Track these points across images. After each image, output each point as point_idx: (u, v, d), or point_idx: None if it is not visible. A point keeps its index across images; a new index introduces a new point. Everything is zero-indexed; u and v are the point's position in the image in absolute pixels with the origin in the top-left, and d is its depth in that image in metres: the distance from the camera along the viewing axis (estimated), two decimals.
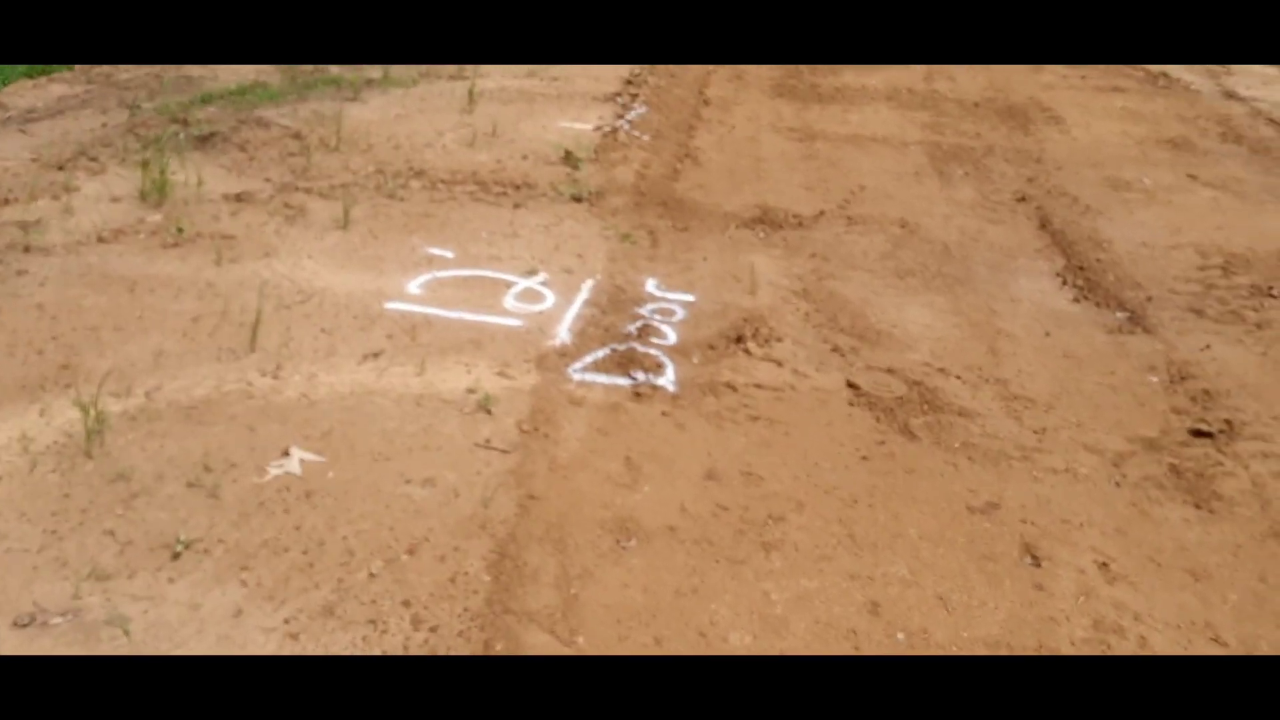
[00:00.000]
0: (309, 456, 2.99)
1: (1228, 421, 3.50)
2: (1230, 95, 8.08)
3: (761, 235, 4.92)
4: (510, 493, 2.89)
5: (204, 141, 5.65)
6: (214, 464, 2.95)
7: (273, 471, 2.92)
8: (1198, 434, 3.43)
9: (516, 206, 4.98)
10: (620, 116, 6.41)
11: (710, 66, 7.92)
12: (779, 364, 3.71)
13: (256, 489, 2.86)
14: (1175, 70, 8.85)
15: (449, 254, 4.39)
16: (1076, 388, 3.70)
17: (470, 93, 6.47)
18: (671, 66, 7.74)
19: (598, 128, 6.17)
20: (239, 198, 4.89)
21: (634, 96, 6.87)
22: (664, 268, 4.46)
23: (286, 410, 3.21)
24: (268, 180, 5.16)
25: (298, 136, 5.72)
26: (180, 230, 4.41)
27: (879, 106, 7.26)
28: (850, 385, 3.60)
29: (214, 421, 3.15)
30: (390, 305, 3.91)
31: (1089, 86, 8.07)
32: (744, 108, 7.05)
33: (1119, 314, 4.30)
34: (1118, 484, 3.17)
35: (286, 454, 3.00)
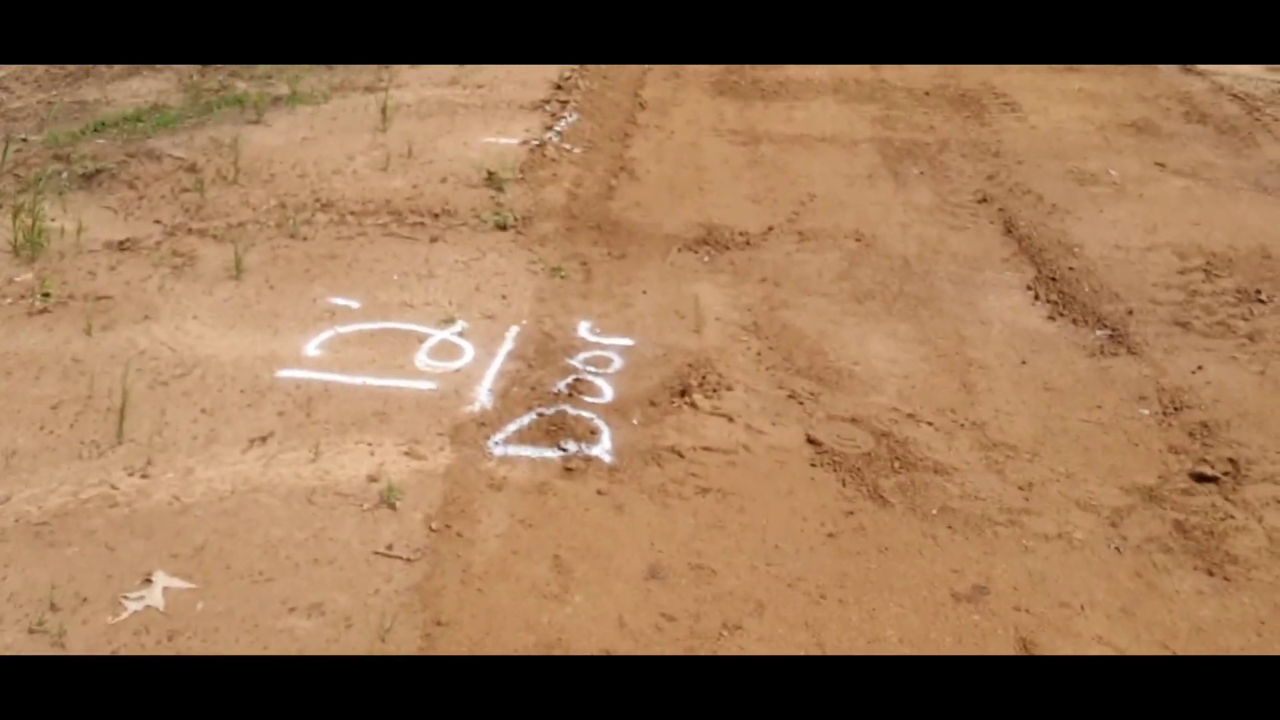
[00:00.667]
0: (175, 584, 2.52)
1: (1232, 461, 3.13)
2: (1189, 70, 7.75)
3: (706, 259, 4.48)
4: (414, 617, 2.43)
5: (89, 180, 5.10)
6: (62, 600, 2.47)
7: (130, 607, 2.44)
8: (1200, 478, 3.05)
9: (433, 240, 4.50)
10: (549, 127, 5.94)
11: (645, 65, 7.45)
12: (730, 419, 3.28)
13: (109, 632, 2.38)
14: None
15: (354, 304, 3.91)
16: (1061, 428, 3.30)
17: (384, 109, 5.95)
18: (605, 67, 7.26)
19: (525, 141, 5.69)
20: (123, 246, 4.37)
21: (564, 103, 6.39)
22: (599, 306, 4.01)
23: (154, 521, 2.73)
24: (157, 222, 4.64)
25: (193, 169, 5.19)
26: (47, 295, 3.88)
27: (825, 100, 6.84)
28: (811, 441, 3.18)
29: (67, 541, 2.66)
30: (284, 373, 3.42)
31: (1043, 68, 7.70)
32: (683, 109, 6.59)
33: (1099, 332, 3.91)
34: (1118, 549, 2.78)
35: (149, 581, 2.52)
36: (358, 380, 3.41)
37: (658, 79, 7.20)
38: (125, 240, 4.42)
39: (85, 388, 3.29)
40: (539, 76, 6.93)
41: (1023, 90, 7.08)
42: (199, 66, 7.37)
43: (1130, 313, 4.05)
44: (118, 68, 7.50)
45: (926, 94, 7.05)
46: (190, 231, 4.53)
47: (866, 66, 7.62)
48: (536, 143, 5.66)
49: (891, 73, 7.45)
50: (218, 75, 7.11)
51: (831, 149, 5.91)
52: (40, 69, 7.52)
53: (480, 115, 6.17)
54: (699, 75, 7.31)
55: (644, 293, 4.15)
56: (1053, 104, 6.79)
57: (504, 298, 4.02)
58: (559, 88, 6.71)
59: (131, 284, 4.01)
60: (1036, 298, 4.19)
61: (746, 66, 7.52)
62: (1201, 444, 3.23)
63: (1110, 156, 5.80)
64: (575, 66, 7.16)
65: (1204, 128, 6.34)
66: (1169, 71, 7.70)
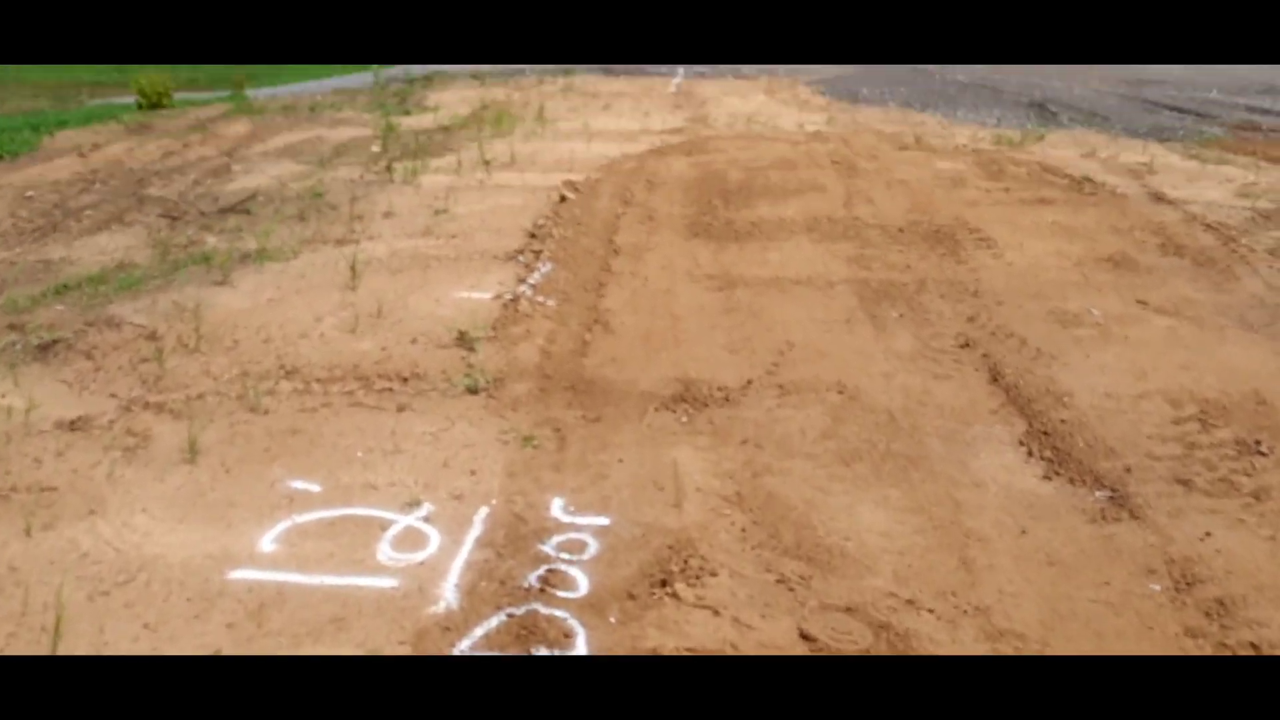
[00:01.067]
0: None
1: (1254, 645, 2.92)
2: (1159, 198, 7.82)
3: (684, 419, 4.32)
4: None
5: (45, 350, 4.94)
6: None
7: None
8: None
9: (401, 409, 4.33)
10: (523, 280, 5.84)
11: (619, 209, 7.45)
12: (715, 611, 3.06)
13: None
14: (1099, 173, 8.63)
15: (315, 487, 3.70)
16: (1070, 609, 3.10)
17: (354, 265, 5.86)
18: (578, 212, 7.26)
19: (498, 295, 5.59)
20: (74, 425, 4.17)
21: (537, 253, 6.32)
22: (573, 479, 3.82)
23: None
24: (113, 396, 4.46)
25: (153, 337, 5.04)
26: None
27: (799, 240, 6.81)
28: (804, 637, 2.96)
29: None
30: (236, 574, 3.19)
31: (1013, 200, 7.76)
32: (657, 253, 6.54)
33: (1098, 493, 3.74)
34: None
35: None
36: (315, 580, 3.17)
37: (632, 222, 7.19)
38: (77, 419, 4.23)
39: (19, 603, 3.04)
40: (514, 224, 6.90)
41: (996, 224, 7.10)
42: (169, 220, 7.31)
43: (1129, 470, 3.89)
44: (86, 221, 7.44)
45: (900, 230, 7.05)
46: (147, 406, 4.34)
47: (839, 203, 7.65)
48: (510, 297, 5.56)
49: (864, 209, 7.48)
50: (187, 230, 7.04)
51: (808, 292, 5.83)
52: (7, 223, 7.45)
53: (453, 268, 6.09)
54: (673, 218, 7.31)
55: (620, 461, 3.97)
56: (1027, 238, 6.78)
57: (473, 473, 3.83)
58: (533, 236, 6.67)
59: (79, 472, 3.80)
60: (1030, 454, 4.03)
61: (720, 208, 7.54)
62: (1220, 625, 3.02)
63: (1090, 294, 5.74)
64: (549, 213, 7.15)
65: (1181, 260, 6.32)
66: (1139, 199, 7.77)
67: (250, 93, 14.62)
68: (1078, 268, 6.21)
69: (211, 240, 6.74)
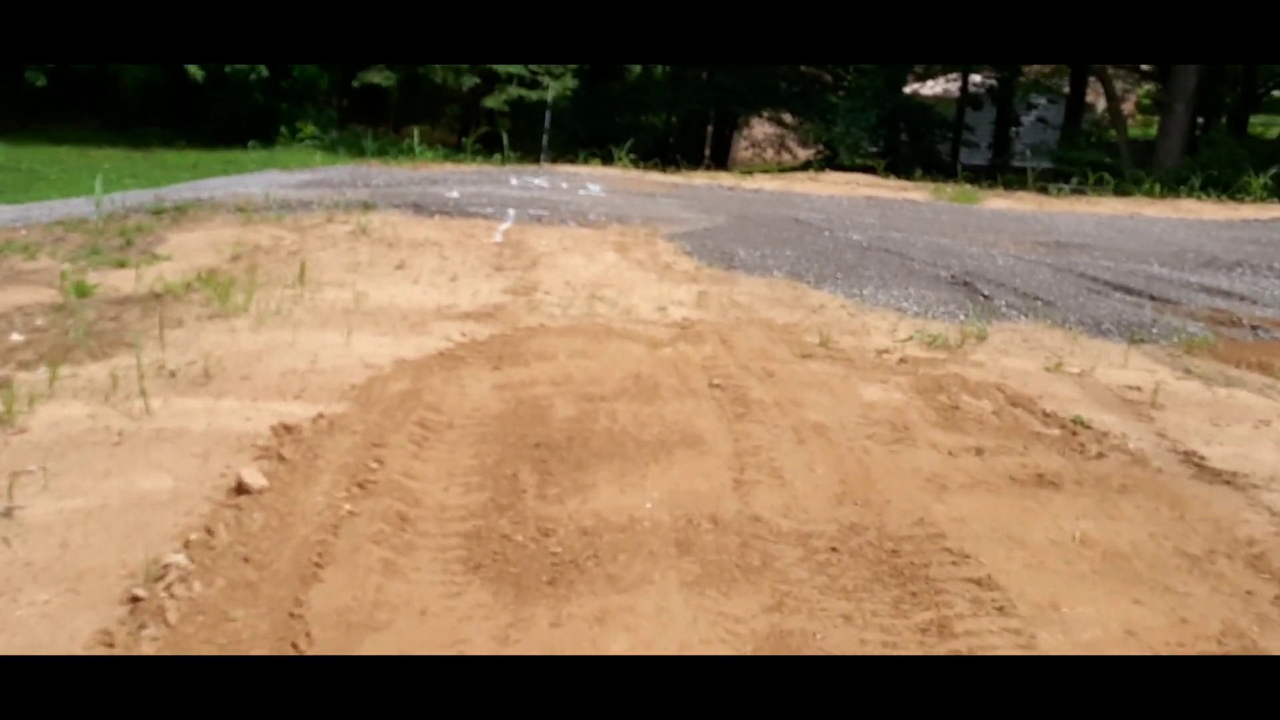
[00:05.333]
0: None
1: None
2: (1199, 466, 5.15)
3: None
4: None
5: None
6: None
7: None
8: None
9: None
10: None
11: (347, 499, 4.21)
12: None
13: None
14: (1088, 407, 5.95)
15: None
16: None
17: None
18: (263, 518, 3.99)
19: None
20: None
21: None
22: None
23: None
24: None
25: None
26: None
27: (665, 587, 3.73)
28: None
29: None
30: None
31: (997, 476, 4.92)
32: (396, 635, 3.33)
33: None
34: None
35: None
36: None
37: (364, 539, 3.93)
38: None
39: None
40: (117, 563, 3.59)
41: (990, 543, 4.20)
42: None
43: None
44: None
45: (833, 550, 4.10)
46: None
47: (727, 481, 4.66)
48: None
49: (767, 495, 4.49)
50: None
51: None
52: None
53: None
54: (444, 523, 4.12)
55: None
56: (1055, 584, 3.89)
57: None
58: (135, 603, 3.36)
59: None
60: None
61: (530, 489, 4.42)
62: None
63: None
64: (205, 526, 3.86)
65: None
66: (1176, 473, 5.06)
67: None
68: (1178, 646, 3.32)
69: None
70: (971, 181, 18.92)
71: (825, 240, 10.84)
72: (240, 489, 4.06)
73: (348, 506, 4.09)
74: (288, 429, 4.86)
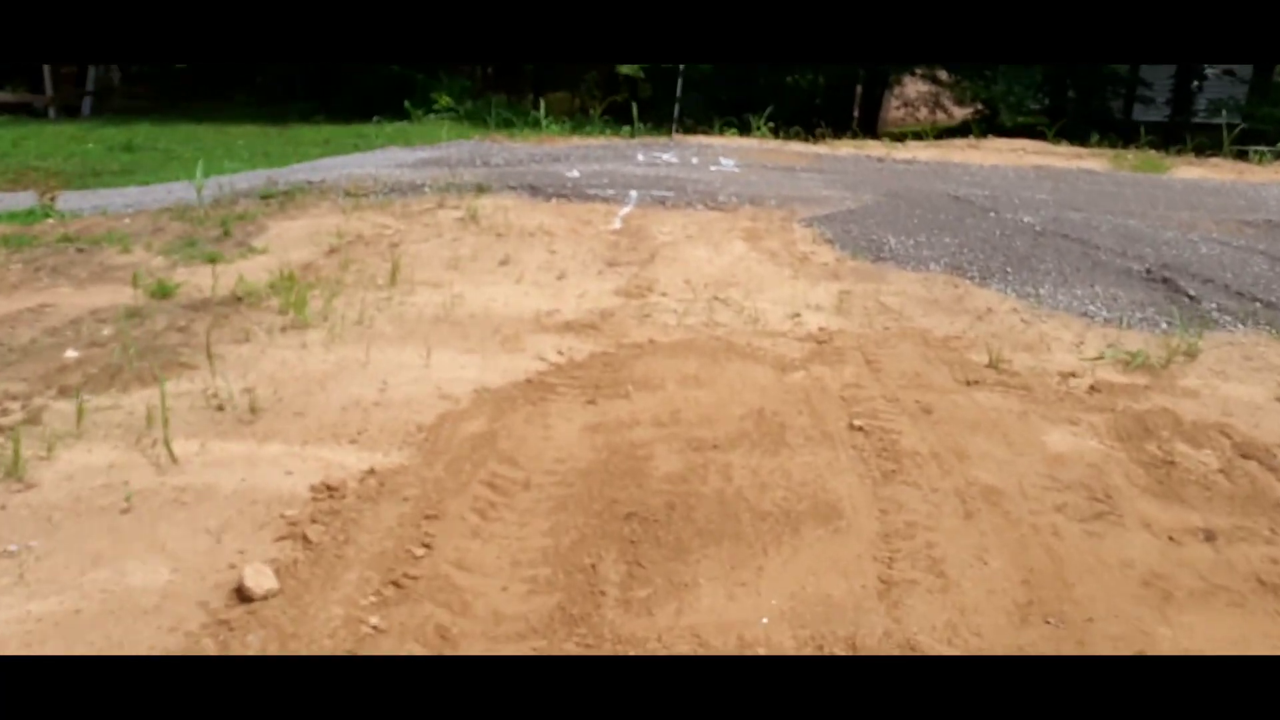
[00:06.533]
0: None
1: None
2: None
3: None
4: None
5: None
6: None
7: None
8: None
9: None
10: None
11: (376, 602, 3.32)
12: None
13: None
14: None
15: None
16: None
17: None
18: (266, 635, 3.13)
19: None
20: None
21: None
22: None
23: None
24: None
25: None
26: None
27: None
28: None
29: None
30: None
31: (1240, 577, 3.67)
32: None
33: None
34: None
35: None
36: None
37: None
38: None
39: None
40: None
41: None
42: None
43: None
44: None
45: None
46: None
47: (868, 572, 3.57)
48: None
49: (922, 602, 3.37)
50: None
51: None
52: None
53: None
54: (493, 646, 3.17)
55: None
56: None
57: None
58: None
59: None
60: None
61: (612, 592, 3.44)
62: None
63: None
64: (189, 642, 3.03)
65: None
66: None
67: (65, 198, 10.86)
68: None
69: None
70: (1153, 145, 16.83)
71: (990, 223, 9.41)
72: (240, 595, 3.21)
73: (374, 620, 3.18)
74: (330, 490, 4.01)
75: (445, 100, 27.45)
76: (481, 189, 10.79)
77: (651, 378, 5.33)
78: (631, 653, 3.14)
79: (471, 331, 6.19)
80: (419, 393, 5.12)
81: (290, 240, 8.98)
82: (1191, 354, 6.07)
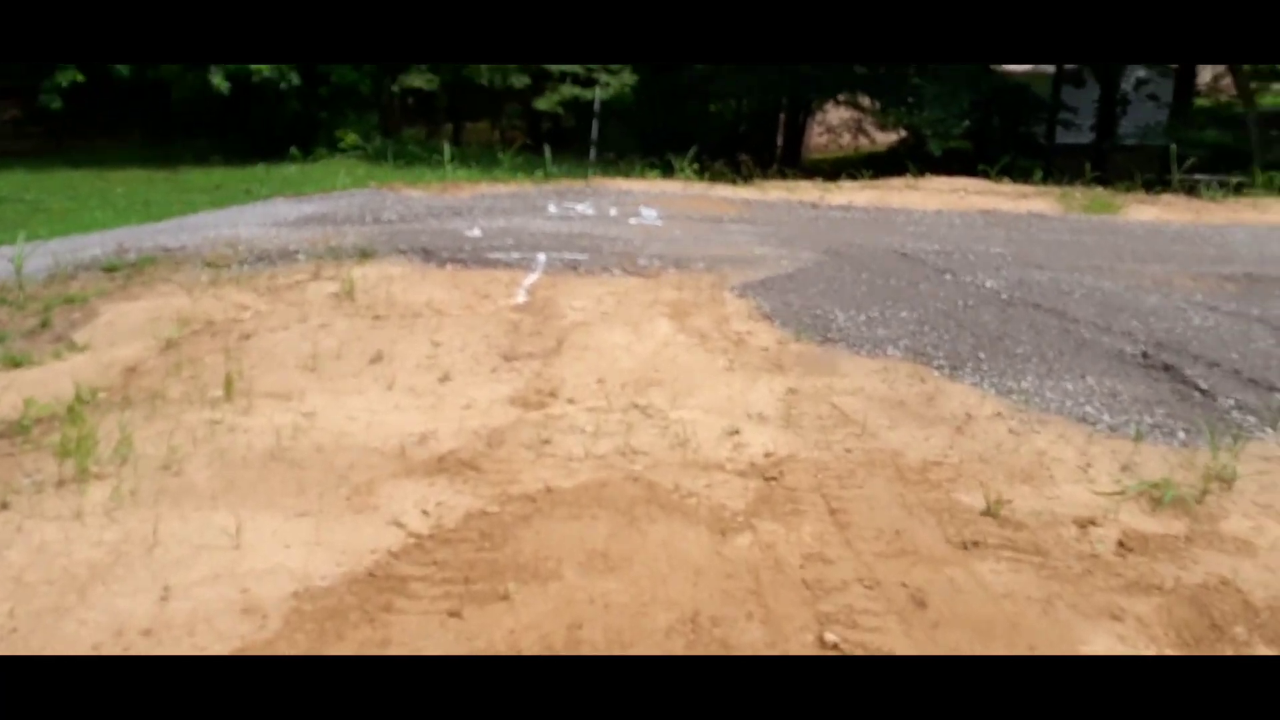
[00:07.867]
0: None
1: None
2: None
3: None
4: None
5: None
6: None
7: None
8: None
9: None
10: None
11: None
12: None
13: None
14: None
15: None
16: None
17: None
18: None
19: None
20: None
21: None
22: None
23: None
24: None
25: None
26: None
27: None
28: None
29: None
30: None
31: None
32: None
33: None
34: None
35: None
36: None
37: None
38: None
39: None
40: None
41: None
42: None
43: None
44: None
45: None
46: None
47: None
48: None
49: None
50: None
51: None
52: None
53: None
54: None
55: None
56: None
57: None
58: None
59: None
60: None
61: None
62: None
63: None
64: None
65: None
66: None
67: None
68: None
69: None
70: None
71: (949, 289, 8.20)
72: None
73: None
74: None
75: (351, 139, 25.81)
76: (365, 254, 9.30)
77: (544, 559, 3.92)
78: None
79: (312, 478, 4.71)
80: (212, 603, 3.63)
81: (122, 331, 7.39)
82: (1227, 480, 4.86)
